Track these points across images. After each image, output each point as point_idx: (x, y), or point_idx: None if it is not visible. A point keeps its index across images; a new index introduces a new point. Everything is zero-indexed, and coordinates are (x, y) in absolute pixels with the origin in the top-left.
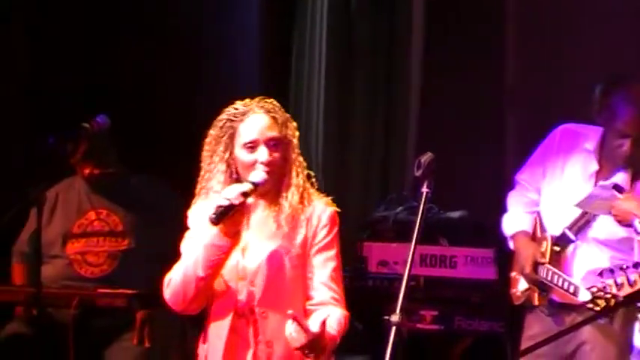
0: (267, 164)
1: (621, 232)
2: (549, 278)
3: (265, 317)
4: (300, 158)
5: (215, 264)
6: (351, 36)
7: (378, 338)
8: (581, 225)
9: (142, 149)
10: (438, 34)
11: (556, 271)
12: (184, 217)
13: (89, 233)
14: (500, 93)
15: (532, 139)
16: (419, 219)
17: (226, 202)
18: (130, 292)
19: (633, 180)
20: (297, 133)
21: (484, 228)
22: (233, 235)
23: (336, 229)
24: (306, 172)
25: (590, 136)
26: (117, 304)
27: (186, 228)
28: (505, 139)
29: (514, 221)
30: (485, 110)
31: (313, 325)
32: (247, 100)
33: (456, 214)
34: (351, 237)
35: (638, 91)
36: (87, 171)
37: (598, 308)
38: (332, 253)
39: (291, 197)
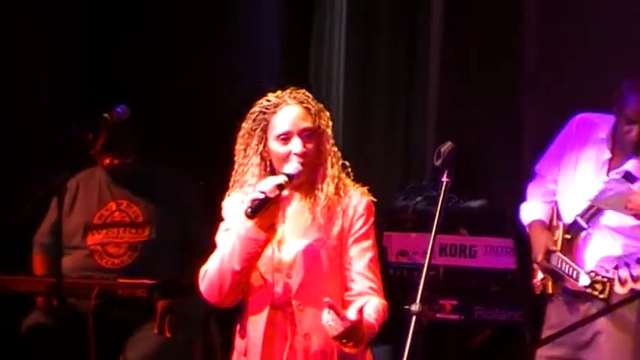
0: (301, 155)
1: (632, 219)
2: (559, 266)
3: (302, 310)
4: (335, 148)
5: (251, 257)
6: (371, 24)
7: (398, 328)
8: (593, 212)
9: (163, 140)
10: (457, 21)
11: (565, 258)
12: (204, 208)
13: (110, 224)
14: (521, 80)
15: (551, 127)
16: (439, 208)
17: (262, 196)
18: (150, 282)
19: None
20: (330, 123)
21: (504, 217)
22: (268, 228)
23: (372, 220)
24: (340, 162)
25: (604, 125)
26: (137, 294)
27: (207, 218)
28: (524, 127)
29: (530, 210)
30: (505, 99)
31: (351, 313)
32: (279, 92)
33: (475, 204)
34: None
35: None
36: (107, 161)
37: (596, 292)
38: (368, 243)
39: (326, 188)
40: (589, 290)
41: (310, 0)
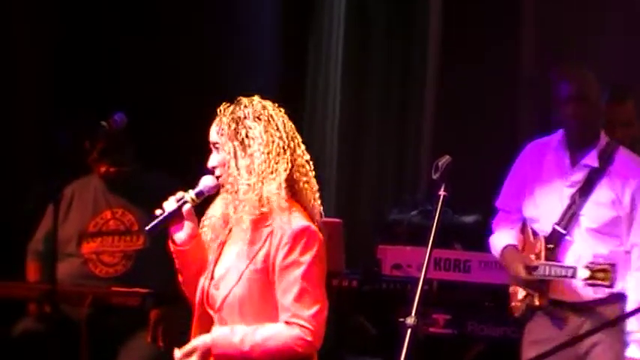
0: (211, 170)
1: (608, 212)
2: (547, 273)
3: (225, 324)
4: (265, 162)
5: (175, 259)
6: (368, 32)
7: (390, 341)
8: (569, 217)
9: (160, 148)
10: (455, 30)
11: (553, 263)
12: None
13: (105, 232)
14: (517, 93)
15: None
16: (435, 222)
17: (159, 212)
18: (143, 291)
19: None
20: (253, 133)
21: None
22: (186, 240)
23: (300, 247)
24: (278, 180)
25: (554, 138)
26: (130, 303)
27: None
28: (519, 141)
29: (500, 240)
30: (500, 111)
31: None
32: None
33: (470, 219)
34: (365, 239)
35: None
36: (103, 169)
37: (599, 281)
38: (296, 274)
39: (239, 207)
40: (591, 282)
41: (308, 6)
